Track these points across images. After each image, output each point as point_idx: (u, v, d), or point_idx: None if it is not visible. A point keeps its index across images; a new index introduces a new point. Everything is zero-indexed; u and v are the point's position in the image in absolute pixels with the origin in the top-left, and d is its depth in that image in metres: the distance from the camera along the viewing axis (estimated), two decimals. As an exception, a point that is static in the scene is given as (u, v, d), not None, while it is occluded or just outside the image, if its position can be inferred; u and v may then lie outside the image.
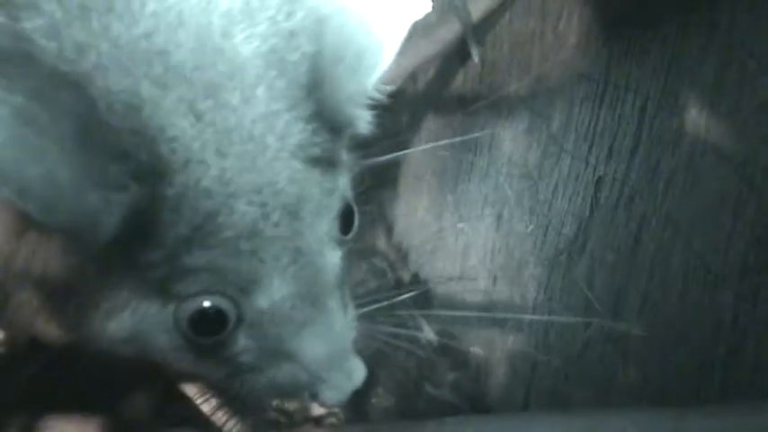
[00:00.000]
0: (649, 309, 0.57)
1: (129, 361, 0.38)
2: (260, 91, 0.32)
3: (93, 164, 0.28)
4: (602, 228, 0.60)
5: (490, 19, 0.62)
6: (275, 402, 0.79)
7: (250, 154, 0.32)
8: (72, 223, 0.28)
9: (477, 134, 0.64)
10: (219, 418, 0.64)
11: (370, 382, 0.86)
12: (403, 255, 0.85)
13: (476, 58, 0.59)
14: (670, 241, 0.56)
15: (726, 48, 0.49)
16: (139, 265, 0.32)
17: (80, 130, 0.27)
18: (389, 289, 0.86)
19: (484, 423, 0.46)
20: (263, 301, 0.34)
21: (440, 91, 0.73)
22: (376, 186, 0.88)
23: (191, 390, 0.64)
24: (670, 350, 0.57)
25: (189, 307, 0.33)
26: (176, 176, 0.30)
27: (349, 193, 0.38)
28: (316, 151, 0.33)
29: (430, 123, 0.75)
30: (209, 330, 0.34)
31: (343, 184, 0.37)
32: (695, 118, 0.51)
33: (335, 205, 0.35)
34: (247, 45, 0.32)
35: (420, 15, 0.35)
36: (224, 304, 0.33)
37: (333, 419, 0.77)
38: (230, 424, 0.65)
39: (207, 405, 0.65)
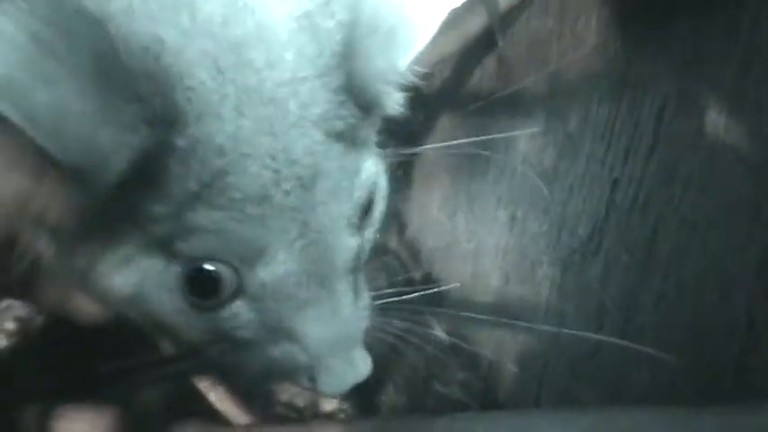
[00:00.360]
0: (663, 309, 0.57)
1: (138, 328, 0.38)
2: (288, 55, 0.31)
3: (106, 101, 0.27)
4: (617, 229, 0.59)
5: (509, 16, 0.62)
6: (284, 396, 0.80)
7: (269, 117, 0.31)
8: (79, 158, 0.28)
9: (493, 135, 0.64)
10: (230, 411, 0.64)
11: (379, 378, 0.87)
12: (415, 253, 0.85)
13: (500, 44, 0.58)
14: (685, 242, 0.55)
15: (747, 49, 0.49)
16: (146, 217, 0.31)
17: (97, 65, 0.27)
18: (400, 287, 0.86)
19: (495, 420, 0.46)
20: (266, 273, 0.33)
21: (456, 89, 0.73)
22: (390, 184, 0.89)
23: (202, 384, 0.64)
24: (683, 351, 0.56)
25: (189, 265, 0.32)
26: (189, 127, 0.30)
27: (381, 183, 0.37)
28: (339, 125, 0.33)
29: (445, 121, 0.75)
30: (203, 291, 0.33)
31: (372, 169, 0.35)
32: (714, 119, 0.51)
33: (358, 189, 0.34)
34: (280, 6, 0.31)
35: (458, 3, 0.34)
36: (223, 269, 0.32)
37: (342, 416, 0.77)
38: (240, 416, 0.65)
39: (218, 399, 0.65)
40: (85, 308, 0.37)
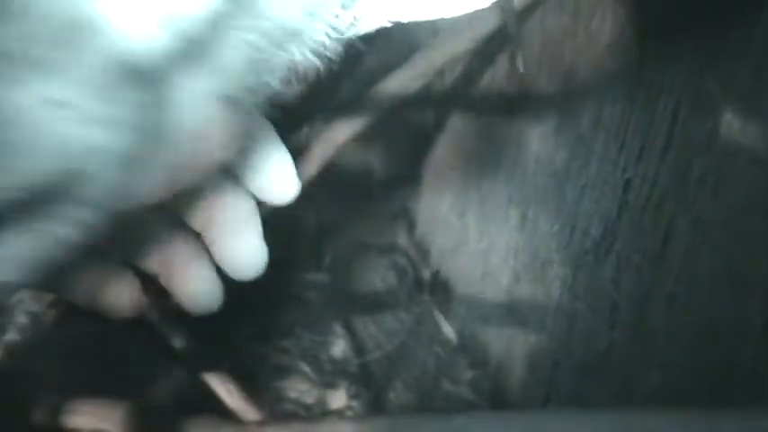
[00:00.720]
0: (676, 311, 0.57)
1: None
2: None
3: None
4: (629, 229, 0.59)
5: (523, 15, 0.61)
6: (292, 393, 0.80)
7: None
8: None
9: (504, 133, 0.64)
10: (239, 407, 0.65)
11: (388, 376, 0.86)
12: (424, 252, 0.86)
13: (519, 63, 0.58)
14: (699, 243, 0.55)
15: (762, 49, 0.48)
16: None
17: None
18: (410, 286, 0.86)
19: (511, 418, 0.46)
20: None
21: (467, 88, 0.73)
22: (399, 183, 0.89)
23: (212, 380, 0.65)
24: (695, 353, 0.56)
25: None
26: None
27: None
28: None
29: (456, 120, 0.75)
30: None
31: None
32: (729, 120, 0.51)
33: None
34: None
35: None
36: None
37: (351, 413, 0.77)
38: (250, 413, 0.66)
39: (228, 395, 0.65)
40: (117, 300, 0.36)
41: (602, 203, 0.61)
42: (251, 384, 0.68)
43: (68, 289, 0.35)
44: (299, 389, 0.80)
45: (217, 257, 0.35)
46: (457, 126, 0.74)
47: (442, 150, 0.77)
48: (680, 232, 0.56)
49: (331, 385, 0.80)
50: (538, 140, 0.65)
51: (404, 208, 0.88)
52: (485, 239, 0.74)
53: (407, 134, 0.80)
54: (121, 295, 0.35)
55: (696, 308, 0.56)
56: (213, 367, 0.64)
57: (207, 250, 0.35)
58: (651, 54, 0.56)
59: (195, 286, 0.35)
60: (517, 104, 0.67)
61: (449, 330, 0.81)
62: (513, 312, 0.71)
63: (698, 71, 0.53)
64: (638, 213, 0.58)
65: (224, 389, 0.65)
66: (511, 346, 0.71)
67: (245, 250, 0.35)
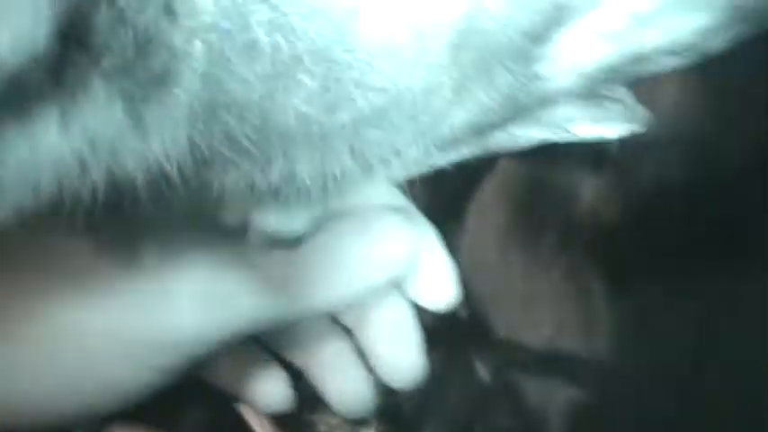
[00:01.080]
0: (727, 370, 0.56)
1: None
2: None
3: None
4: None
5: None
6: (323, 427, 0.79)
7: None
8: None
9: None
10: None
11: (419, 415, 0.85)
12: (463, 292, 0.85)
13: None
14: (749, 311, 0.54)
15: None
16: None
17: None
18: (446, 325, 0.85)
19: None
20: None
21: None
22: (441, 221, 0.88)
23: (246, 410, 0.64)
24: (744, 413, 0.55)
25: None
26: None
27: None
28: None
29: (505, 163, 0.75)
30: None
31: None
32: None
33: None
34: None
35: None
36: None
37: (381, 451, 0.76)
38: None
39: (261, 426, 0.65)
40: (265, 394, 0.34)
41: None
42: (282, 416, 0.67)
43: (212, 373, 0.33)
44: (329, 423, 0.79)
45: (370, 361, 0.33)
46: (506, 169, 0.74)
47: (489, 192, 0.77)
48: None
49: (361, 421, 0.79)
50: (591, 193, 0.64)
51: (445, 244, 0.87)
52: (527, 286, 0.73)
53: (453, 173, 0.79)
54: (270, 390, 0.33)
55: (747, 368, 0.54)
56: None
57: (358, 351, 0.33)
58: (714, 114, 0.55)
59: (346, 389, 0.33)
60: (572, 155, 0.67)
61: (484, 374, 0.80)
62: (554, 363, 0.70)
63: (763, 132, 0.52)
64: (693, 274, 0.57)
65: (256, 420, 0.65)
66: (550, 398, 0.70)
67: (402, 359, 0.33)
